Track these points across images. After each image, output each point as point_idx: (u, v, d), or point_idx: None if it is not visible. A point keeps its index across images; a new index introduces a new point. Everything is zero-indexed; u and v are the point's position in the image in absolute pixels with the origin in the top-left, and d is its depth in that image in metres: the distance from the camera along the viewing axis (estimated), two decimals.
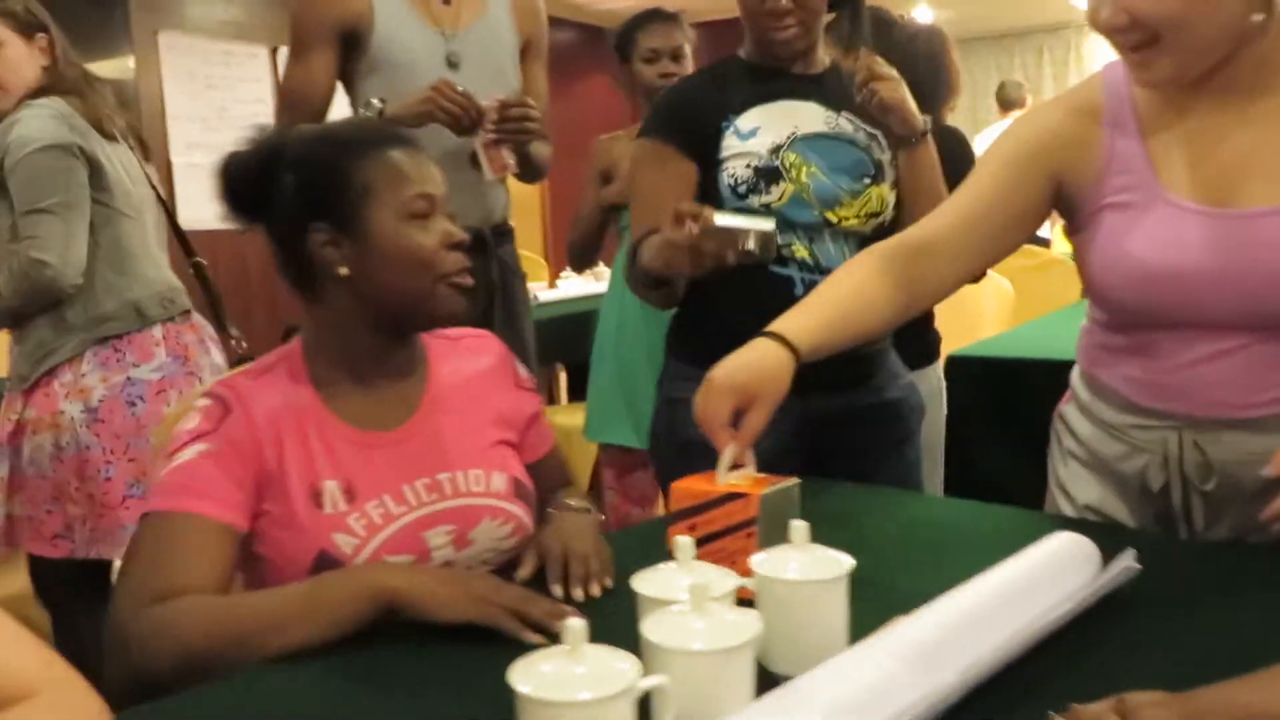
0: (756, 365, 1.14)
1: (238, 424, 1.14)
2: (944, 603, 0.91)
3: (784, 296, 1.49)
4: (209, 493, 1.10)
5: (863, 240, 1.61)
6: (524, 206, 7.00)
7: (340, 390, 1.21)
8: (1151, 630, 0.98)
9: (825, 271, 1.56)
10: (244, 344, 2.30)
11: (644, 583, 0.90)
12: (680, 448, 1.51)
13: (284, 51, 5.57)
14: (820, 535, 0.96)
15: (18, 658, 0.65)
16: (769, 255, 1.37)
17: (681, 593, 0.84)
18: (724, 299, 1.60)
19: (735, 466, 1.10)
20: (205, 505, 1.10)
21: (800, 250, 1.61)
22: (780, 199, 1.58)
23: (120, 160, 2.09)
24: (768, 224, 1.36)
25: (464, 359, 1.33)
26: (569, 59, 7.09)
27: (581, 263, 2.76)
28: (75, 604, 2.07)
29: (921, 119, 1.61)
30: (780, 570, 0.91)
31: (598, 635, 0.76)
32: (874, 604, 0.93)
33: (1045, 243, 4.85)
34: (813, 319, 1.22)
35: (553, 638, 0.90)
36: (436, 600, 1.00)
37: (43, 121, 1.97)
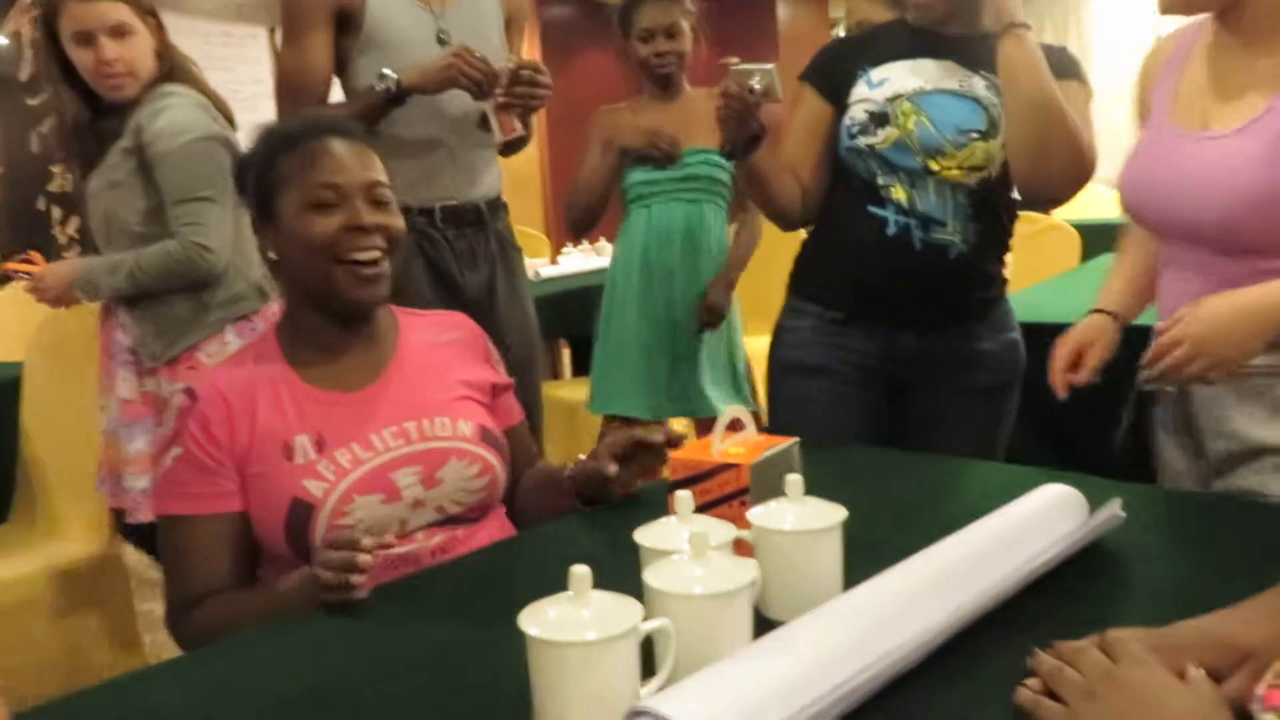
0: (1085, 325, 1.50)
1: (205, 410, 1.23)
2: (934, 550, 0.95)
3: (877, 233, 1.70)
4: (196, 492, 1.22)
5: (969, 192, 1.69)
6: (524, 182, 7.02)
7: (309, 359, 1.30)
8: (1135, 576, 1.02)
9: (921, 216, 1.68)
10: None
11: (646, 535, 0.94)
12: (780, 367, 1.83)
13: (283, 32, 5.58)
14: (819, 492, 0.99)
15: None
16: (774, 97, 1.59)
17: (682, 544, 0.88)
18: (827, 237, 1.81)
19: (735, 428, 1.13)
20: (194, 505, 1.22)
21: (899, 193, 1.69)
22: (884, 142, 1.68)
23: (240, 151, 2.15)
24: (768, 65, 1.59)
25: (434, 332, 1.40)
26: (566, 33, 7.08)
27: (583, 226, 2.70)
28: None
29: (1017, 16, 1.61)
30: (776, 521, 0.95)
31: (603, 588, 0.79)
32: (869, 556, 0.96)
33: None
34: (1117, 286, 1.54)
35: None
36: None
37: (192, 111, 2.04)
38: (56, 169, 4.62)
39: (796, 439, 1.16)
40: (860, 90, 1.72)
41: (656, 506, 1.08)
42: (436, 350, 1.37)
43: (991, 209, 1.73)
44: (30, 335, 2.40)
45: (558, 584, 0.79)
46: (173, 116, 2.02)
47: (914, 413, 1.78)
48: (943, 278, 1.70)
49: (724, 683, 0.74)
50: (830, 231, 1.79)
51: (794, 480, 0.98)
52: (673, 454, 1.12)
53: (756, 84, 1.58)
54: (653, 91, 2.63)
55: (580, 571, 0.76)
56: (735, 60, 1.60)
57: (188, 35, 5.12)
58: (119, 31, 2.01)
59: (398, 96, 1.91)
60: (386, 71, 1.91)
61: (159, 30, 2.10)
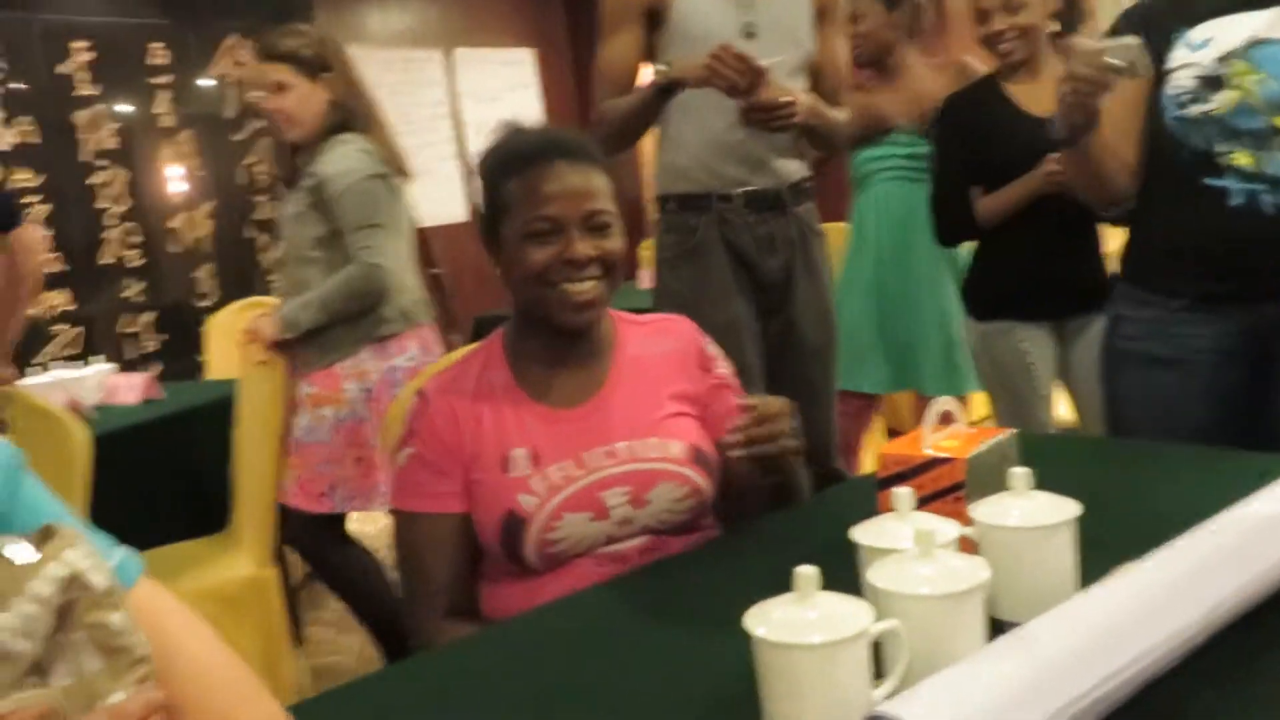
0: None
1: (435, 416, 1.29)
2: (1175, 547, 0.88)
3: (1217, 208, 1.55)
4: (426, 490, 1.28)
5: None
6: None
7: (531, 370, 1.32)
8: None
9: (1271, 179, 1.53)
10: (457, 340, 2.71)
11: (865, 533, 0.91)
12: (1120, 357, 1.73)
13: (458, 53, 5.79)
14: (1045, 485, 0.94)
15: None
16: (1139, 71, 1.46)
17: (903, 542, 0.85)
18: (1158, 218, 1.66)
19: (945, 423, 1.09)
20: (428, 502, 1.28)
21: (1241, 158, 1.56)
22: (1221, 107, 1.55)
23: (404, 190, 2.49)
24: (1131, 39, 1.45)
25: (650, 341, 1.39)
26: None
27: None
28: (322, 547, 2.50)
29: None
30: (1001, 518, 0.90)
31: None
32: (1104, 554, 0.90)
33: None
34: None
35: None
36: None
37: (359, 155, 2.38)
38: (261, 199, 4.94)
39: (1014, 431, 1.10)
40: (1181, 54, 1.59)
41: (864, 503, 1.05)
42: (651, 364, 1.37)
43: None
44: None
45: (769, 583, 0.77)
46: (341, 163, 2.36)
47: None
48: None
49: (964, 687, 0.71)
50: (1159, 212, 1.65)
51: (1021, 473, 0.93)
52: (882, 450, 1.09)
53: (1120, 61, 1.44)
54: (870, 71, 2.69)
55: (807, 572, 0.75)
56: (1080, 38, 1.47)
57: (366, 63, 5.35)
58: (277, 88, 2.40)
59: (667, 89, 1.94)
60: (660, 66, 1.95)
61: (332, 84, 2.41)
